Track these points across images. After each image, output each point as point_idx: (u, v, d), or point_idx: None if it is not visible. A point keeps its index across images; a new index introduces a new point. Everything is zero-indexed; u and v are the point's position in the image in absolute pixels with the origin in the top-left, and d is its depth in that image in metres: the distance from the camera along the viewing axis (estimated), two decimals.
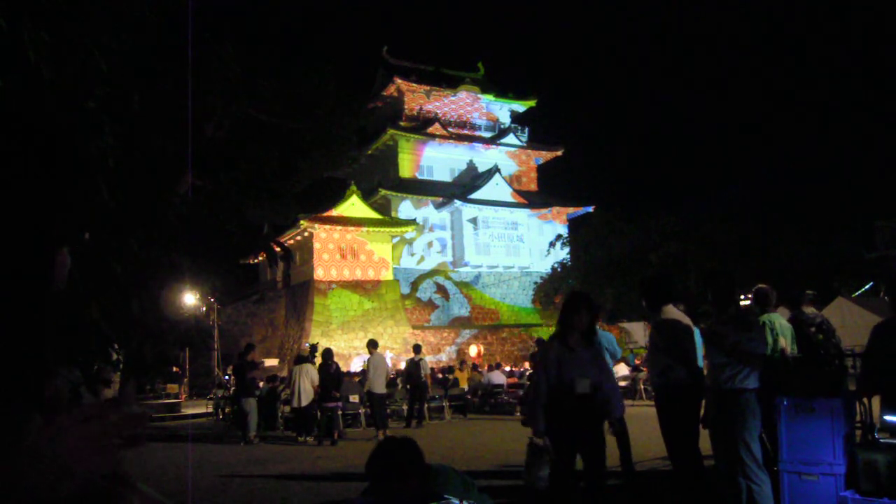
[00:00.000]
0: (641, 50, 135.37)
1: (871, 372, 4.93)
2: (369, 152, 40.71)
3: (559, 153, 46.94)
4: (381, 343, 30.45)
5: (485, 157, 44.01)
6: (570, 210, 44.31)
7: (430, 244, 40.62)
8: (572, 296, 4.96)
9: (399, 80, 42.49)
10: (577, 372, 4.57)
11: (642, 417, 10.68)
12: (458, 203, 40.02)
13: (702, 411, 5.14)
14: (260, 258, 37.93)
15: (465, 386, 18.61)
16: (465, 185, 41.86)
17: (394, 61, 44.70)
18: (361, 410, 14.60)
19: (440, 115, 43.65)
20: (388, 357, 27.38)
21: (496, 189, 41.35)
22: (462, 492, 2.65)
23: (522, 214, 42.35)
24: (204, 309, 26.18)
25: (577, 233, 36.21)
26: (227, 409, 17.91)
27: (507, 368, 25.02)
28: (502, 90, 46.30)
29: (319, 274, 35.84)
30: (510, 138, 45.29)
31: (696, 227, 29.00)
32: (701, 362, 5.27)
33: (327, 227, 36.00)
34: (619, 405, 4.90)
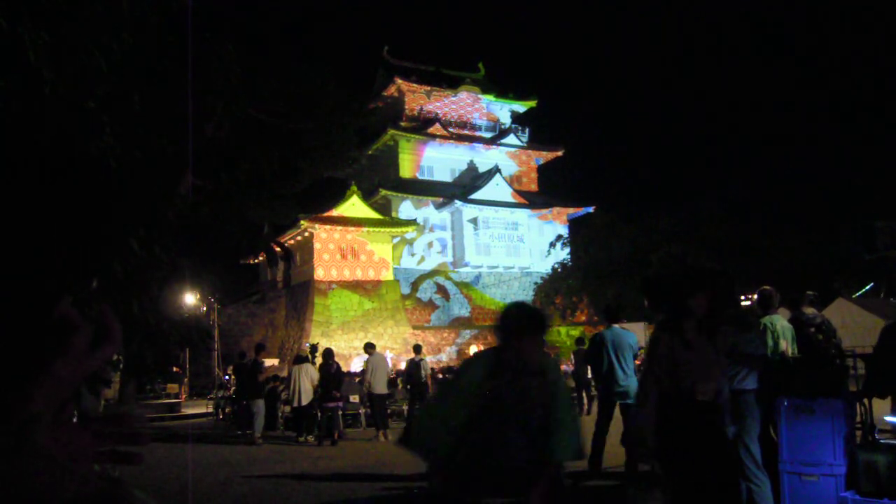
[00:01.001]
0: (642, 50, 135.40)
1: (880, 374, 4.85)
2: (369, 152, 40.70)
3: (559, 153, 46.93)
4: (381, 343, 30.50)
5: (485, 157, 44.01)
6: (571, 210, 44.30)
7: (430, 244, 40.63)
8: (686, 273, 3.92)
9: (399, 81, 42.50)
10: (699, 374, 3.52)
11: None
12: (458, 203, 40.02)
13: None
14: (260, 258, 37.96)
15: None
16: (466, 186, 41.86)
17: (394, 61, 44.70)
18: (361, 410, 14.60)
19: (441, 115, 43.64)
20: (389, 357, 27.39)
21: (496, 189, 41.35)
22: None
23: (523, 215, 42.34)
24: (204, 309, 26.25)
25: (578, 233, 36.21)
26: (227, 409, 17.90)
27: None
28: (503, 90, 46.29)
29: (320, 274, 35.84)
30: (510, 139, 45.29)
31: (696, 228, 28.99)
32: None
33: (327, 227, 36.00)
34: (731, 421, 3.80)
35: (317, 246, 36.04)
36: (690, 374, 3.51)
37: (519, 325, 2.87)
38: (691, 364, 3.53)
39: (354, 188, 36.98)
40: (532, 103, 47.08)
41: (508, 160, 44.81)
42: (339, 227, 36.28)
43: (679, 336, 3.59)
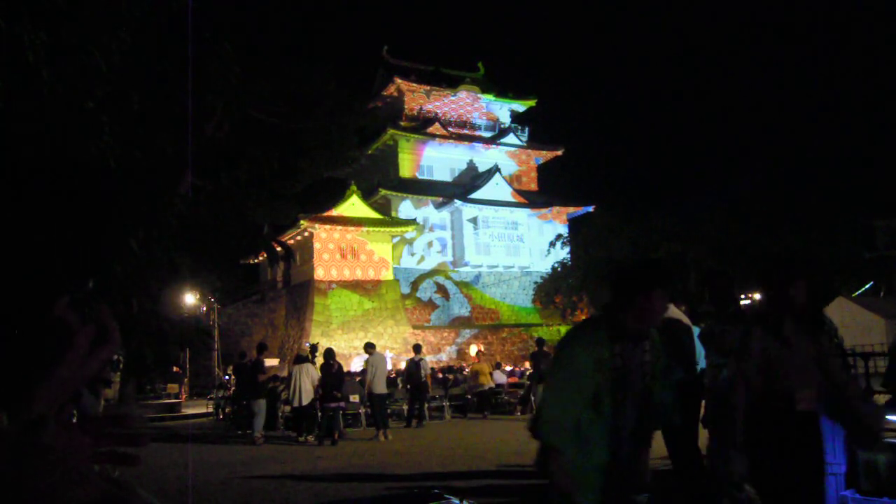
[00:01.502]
0: (642, 49, 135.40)
1: None
2: (369, 152, 40.71)
3: (559, 153, 46.94)
4: (381, 343, 30.50)
5: (485, 156, 44.02)
6: (571, 210, 44.30)
7: (430, 244, 40.63)
8: (780, 262, 3.22)
9: (399, 80, 42.50)
10: (798, 377, 2.95)
11: None
12: (458, 203, 40.02)
13: (701, 411, 5.14)
14: (260, 258, 37.96)
15: (488, 382, 17.76)
16: (465, 185, 41.86)
17: (394, 61, 44.70)
18: (361, 410, 14.60)
19: (440, 114, 43.64)
20: (388, 357, 27.38)
21: (496, 189, 41.36)
22: None
23: (522, 214, 42.35)
24: (204, 309, 26.24)
25: (578, 233, 36.20)
26: (227, 409, 17.90)
27: (508, 368, 25.02)
28: (502, 90, 46.30)
29: (319, 274, 35.84)
30: (510, 138, 45.30)
31: (696, 227, 28.99)
32: (703, 363, 5.27)
33: (327, 227, 36.00)
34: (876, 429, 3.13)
35: (317, 246, 36.05)
36: (788, 378, 2.93)
37: (648, 279, 2.59)
38: (789, 366, 2.94)
39: (354, 188, 36.99)
40: (531, 103, 47.09)
41: (508, 160, 44.82)
42: (338, 227, 36.29)
43: (775, 332, 2.99)
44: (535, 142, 46.64)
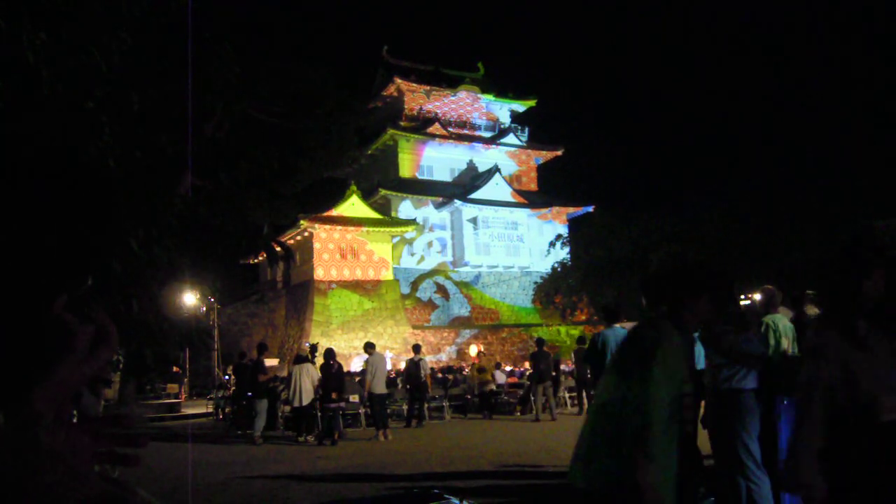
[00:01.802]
0: (642, 49, 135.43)
1: None
2: (369, 152, 40.74)
3: (559, 153, 46.96)
4: (381, 343, 30.50)
5: (485, 156, 44.03)
6: (570, 210, 44.32)
7: (430, 244, 40.64)
8: (848, 250, 2.74)
9: (399, 80, 42.51)
10: (881, 383, 2.54)
11: None
12: (458, 203, 40.03)
13: (701, 412, 5.15)
14: (260, 258, 37.98)
15: (492, 382, 17.75)
16: (465, 185, 41.88)
17: (394, 61, 44.71)
18: (361, 410, 14.59)
19: (440, 114, 43.65)
20: (388, 357, 27.38)
21: (496, 189, 41.37)
22: None
23: (522, 214, 42.36)
24: (204, 309, 26.20)
25: (577, 233, 36.23)
26: (227, 409, 17.89)
27: (508, 368, 25.02)
28: (502, 90, 46.31)
29: (319, 274, 35.85)
30: (510, 138, 45.32)
31: (696, 227, 29.02)
32: (703, 363, 5.28)
33: (327, 227, 36.01)
34: None
35: (316, 246, 36.06)
36: (870, 385, 2.53)
37: (701, 280, 2.56)
38: (869, 371, 2.54)
39: (354, 188, 37.00)
40: (531, 103, 47.10)
41: (508, 160, 44.83)
42: (338, 227, 36.30)
43: (850, 333, 2.59)
44: (534, 142, 46.65)
